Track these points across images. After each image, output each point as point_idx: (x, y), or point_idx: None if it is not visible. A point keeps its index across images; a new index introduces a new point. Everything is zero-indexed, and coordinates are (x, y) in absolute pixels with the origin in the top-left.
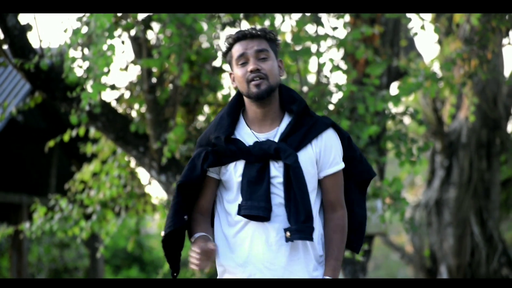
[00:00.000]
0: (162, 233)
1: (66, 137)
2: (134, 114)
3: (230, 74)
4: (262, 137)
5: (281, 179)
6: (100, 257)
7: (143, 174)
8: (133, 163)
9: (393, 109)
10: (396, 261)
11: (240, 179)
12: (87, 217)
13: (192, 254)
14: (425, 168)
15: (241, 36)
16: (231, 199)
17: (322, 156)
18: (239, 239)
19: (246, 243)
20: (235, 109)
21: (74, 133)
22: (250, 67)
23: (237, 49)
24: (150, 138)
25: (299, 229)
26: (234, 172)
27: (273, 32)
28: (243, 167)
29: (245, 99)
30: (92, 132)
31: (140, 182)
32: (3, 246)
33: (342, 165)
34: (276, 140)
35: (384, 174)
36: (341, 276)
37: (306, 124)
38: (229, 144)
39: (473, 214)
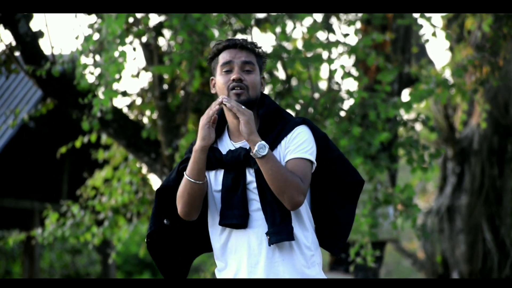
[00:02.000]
0: (146, 239)
1: (78, 144)
2: (145, 120)
3: (212, 79)
4: (238, 145)
5: (255, 184)
6: (112, 263)
7: (154, 180)
8: (144, 169)
9: (405, 115)
10: (408, 268)
11: (218, 188)
12: (99, 223)
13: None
14: (436, 175)
15: (231, 45)
16: (212, 210)
17: (288, 145)
18: (227, 250)
19: (232, 253)
20: (219, 119)
21: (86, 139)
22: (234, 75)
23: (224, 56)
24: (162, 145)
25: (276, 231)
26: (214, 181)
27: (262, 48)
28: (222, 176)
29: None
30: (104, 138)
31: (152, 188)
32: (15, 252)
33: (309, 157)
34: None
35: (396, 181)
36: None
37: (277, 127)
38: (209, 152)
39: (485, 221)
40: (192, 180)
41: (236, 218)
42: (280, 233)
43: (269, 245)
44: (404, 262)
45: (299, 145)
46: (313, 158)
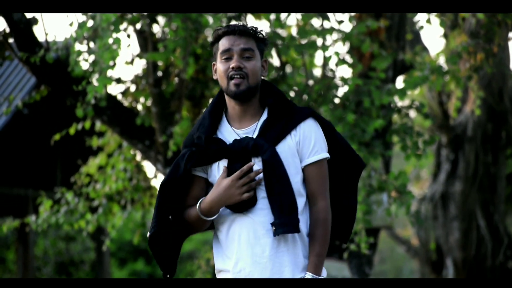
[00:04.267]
0: (148, 234)
1: (72, 131)
2: (139, 107)
3: (213, 64)
4: (242, 133)
5: (261, 175)
6: (106, 250)
7: (148, 167)
8: (138, 157)
9: (399, 102)
10: (402, 255)
11: None
12: (93, 210)
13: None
14: (430, 162)
15: (230, 31)
16: None
17: (301, 145)
18: (229, 237)
19: (235, 241)
20: (217, 107)
21: (80, 126)
22: (233, 64)
23: (223, 43)
24: (156, 132)
25: (283, 222)
26: (218, 171)
27: (262, 32)
28: (227, 165)
29: (225, 95)
30: (98, 125)
31: (146, 175)
32: (9, 239)
33: (324, 155)
34: (255, 135)
35: (390, 168)
36: (346, 269)
37: (285, 116)
38: (210, 144)
39: (479, 208)
40: (207, 218)
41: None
42: (286, 224)
43: (274, 235)
44: (398, 249)
45: (314, 145)
46: (326, 152)
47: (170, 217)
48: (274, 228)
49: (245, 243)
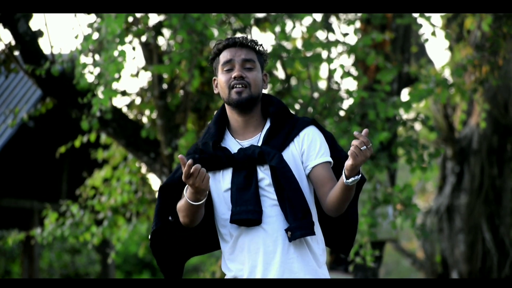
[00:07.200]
0: (149, 236)
1: (77, 143)
2: (145, 120)
3: (214, 79)
4: (246, 144)
5: (268, 181)
6: (111, 262)
7: (154, 180)
8: (144, 169)
9: (404, 115)
10: (407, 267)
11: (227, 186)
12: (98, 222)
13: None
14: (436, 174)
15: (231, 43)
16: (221, 210)
17: (307, 150)
18: (237, 248)
19: (244, 251)
20: (221, 119)
21: (85, 139)
22: (235, 73)
23: (224, 55)
24: (161, 144)
25: (298, 226)
26: (222, 181)
27: (263, 46)
28: (231, 175)
29: (227, 108)
30: (103, 138)
31: (151, 187)
32: (14, 252)
33: (330, 159)
34: (259, 144)
35: (395, 181)
36: None
37: (287, 125)
38: (217, 150)
39: (484, 220)
40: (194, 203)
41: (251, 214)
42: (303, 227)
43: (290, 240)
44: (403, 262)
45: (319, 148)
46: (330, 158)
47: (170, 217)
48: (290, 233)
49: (254, 252)
